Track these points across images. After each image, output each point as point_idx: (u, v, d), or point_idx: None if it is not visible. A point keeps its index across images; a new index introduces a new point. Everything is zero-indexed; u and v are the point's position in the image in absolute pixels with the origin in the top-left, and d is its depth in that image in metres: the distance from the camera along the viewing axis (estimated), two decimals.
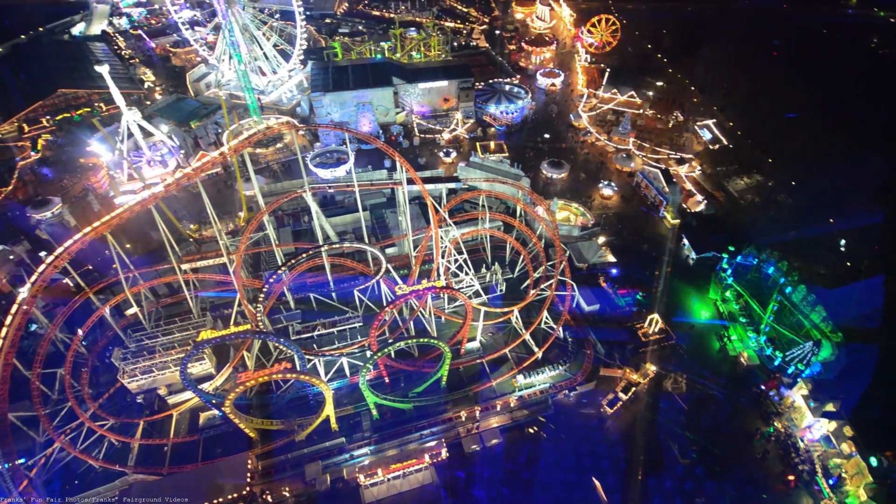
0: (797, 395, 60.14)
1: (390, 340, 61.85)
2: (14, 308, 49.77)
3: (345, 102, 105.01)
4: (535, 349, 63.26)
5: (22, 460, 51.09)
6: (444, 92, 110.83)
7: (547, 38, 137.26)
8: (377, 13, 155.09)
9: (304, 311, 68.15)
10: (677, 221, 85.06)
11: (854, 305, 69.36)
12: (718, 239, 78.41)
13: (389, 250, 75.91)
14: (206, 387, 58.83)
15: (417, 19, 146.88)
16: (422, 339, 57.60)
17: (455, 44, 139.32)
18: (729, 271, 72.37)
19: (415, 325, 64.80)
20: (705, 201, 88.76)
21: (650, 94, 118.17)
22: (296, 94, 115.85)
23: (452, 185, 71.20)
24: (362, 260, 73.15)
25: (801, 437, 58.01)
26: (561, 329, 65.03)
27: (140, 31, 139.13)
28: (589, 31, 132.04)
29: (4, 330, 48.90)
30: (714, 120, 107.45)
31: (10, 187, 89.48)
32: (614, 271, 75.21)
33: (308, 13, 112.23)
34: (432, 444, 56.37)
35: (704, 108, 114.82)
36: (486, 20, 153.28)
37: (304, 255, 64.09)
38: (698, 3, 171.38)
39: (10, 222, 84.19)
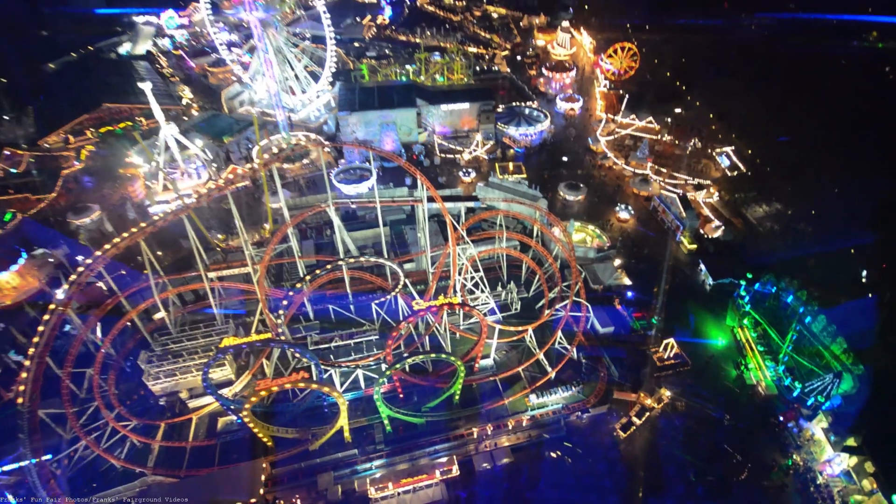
0: (817, 427, 57.75)
1: (405, 354, 61.76)
2: (51, 308, 51.36)
3: (370, 122, 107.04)
4: (549, 369, 62.31)
5: (48, 456, 51.88)
6: (465, 114, 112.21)
7: (567, 65, 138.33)
8: (403, 38, 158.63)
9: (323, 322, 68.60)
10: (694, 246, 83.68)
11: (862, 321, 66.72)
12: (736, 265, 76.75)
13: (407, 266, 76.26)
14: (226, 392, 59.38)
15: (442, 44, 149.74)
16: (436, 355, 57.30)
17: (477, 68, 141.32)
18: (747, 298, 70.56)
19: (429, 341, 64.58)
20: (723, 227, 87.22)
21: (668, 120, 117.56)
22: (323, 113, 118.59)
23: (471, 204, 71.67)
24: (381, 274, 73.56)
25: (821, 472, 55.53)
26: (575, 350, 64.01)
27: (181, 52, 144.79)
28: (608, 59, 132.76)
29: (41, 328, 50.39)
30: (732, 147, 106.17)
31: (54, 194, 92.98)
32: (630, 294, 74.06)
33: (338, 37, 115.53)
34: (443, 459, 55.54)
35: (723, 136, 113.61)
36: (508, 46, 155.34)
37: (325, 268, 64.87)
38: (717, 33, 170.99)
39: (52, 227, 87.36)
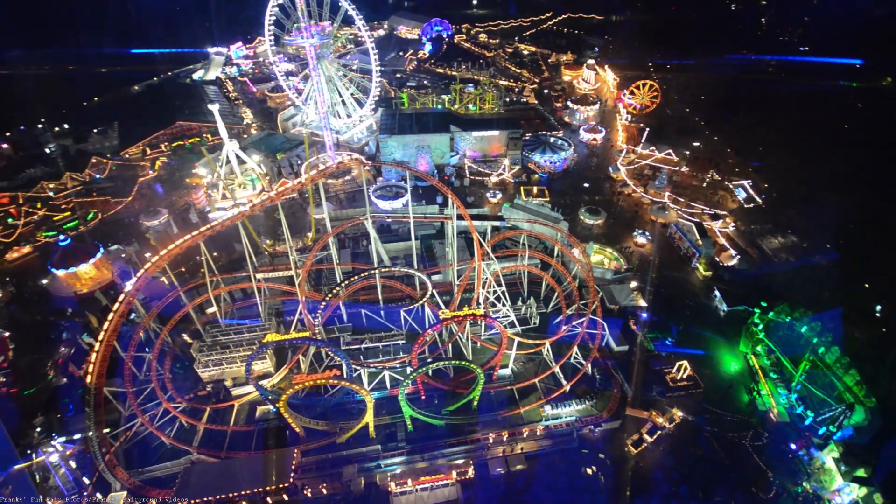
0: (827, 457, 54.10)
1: (429, 360, 61.60)
2: (120, 298, 53.79)
3: (407, 144, 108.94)
4: (564, 382, 60.83)
5: (108, 430, 53.82)
6: (495, 140, 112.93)
7: (591, 98, 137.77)
8: (441, 71, 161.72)
9: (355, 325, 69.21)
10: (709, 273, 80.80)
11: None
12: (751, 293, 73.60)
13: (435, 277, 76.40)
14: (265, 384, 60.43)
15: (475, 77, 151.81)
16: (458, 362, 56.87)
17: (507, 99, 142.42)
18: (761, 326, 67.43)
19: (452, 348, 64.21)
20: (738, 257, 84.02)
21: (687, 153, 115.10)
22: (366, 135, 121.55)
23: (497, 223, 71.50)
24: (410, 284, 73.94)
25: (830, 501, 51.79)
26: (590, 366, 62.35)
27: (246, 78, 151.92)
28: (631, 94, 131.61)
29: (111, 315, 52.77)
30: (749, 180, 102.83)
31: (130, 198, 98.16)
32: (644, 315, 71.90)
33: (382, 69, 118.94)
34: (460, 461, 54.64)
35: (740, 169, 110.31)
36: (537, 80, 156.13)
37: (360, 276, 65.70)
38: (734, 72, 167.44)
39: (126, 227, 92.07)
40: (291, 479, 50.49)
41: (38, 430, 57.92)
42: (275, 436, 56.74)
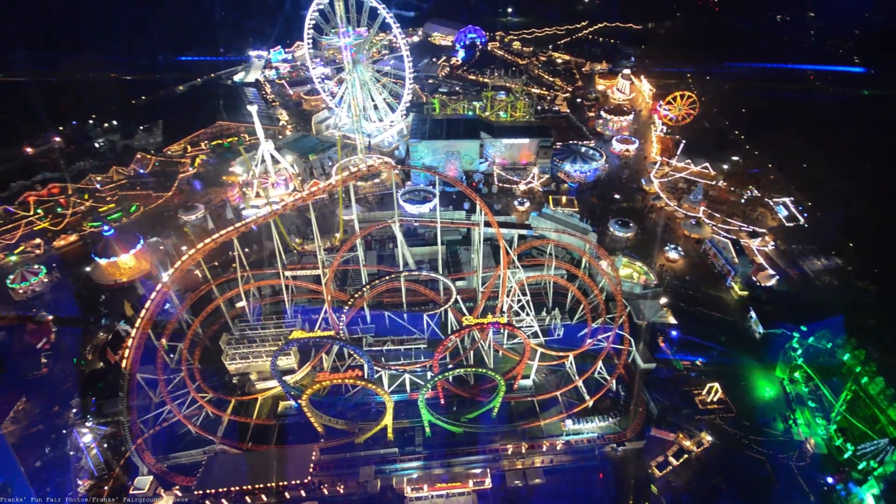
0: (867, 493, 50.81)
1: (450, 366, 61.43)
2: (159, 286, 56.08)
3: (436, 150, 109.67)
4: (587, 397, 59.50)
5: (139, 414, 55.90)
6: (525, 148, 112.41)
7: (625, 109, 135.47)
8: (473, 77, 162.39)
9: (378, 326, 69.77)
10: (745, 293, 77.64)
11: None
12: (789, 316, 70.24)
13: (459, 283, 76.21)
14: (288, 380, 61.53)
15: (507, 84, 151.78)
16: (480, 370, 56.48)
17: (539, 107, 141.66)
18: (800, 351, 64.23)
19: (473, 355, 63.83)
20: (777, 277, 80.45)
21: (725, 167, 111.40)
22: (396, 140, 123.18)
23: (524, 232, 70.88)
24: (434, 289, 74.09)
25: None
26: (614, 382, 60.79)
27: (283, 81, 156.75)
28: (667, 105, 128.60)
29: (148, 303, 55.02)
30: (791, 198, 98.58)
31: (171, 193, 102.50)
32: (674, 333, 69.66)
33: (415, 74, 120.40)
34: (477, 471, 54.07)
35: (781, 186, 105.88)
36: (570, 89, 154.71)
37: (385, 278, 66.33)
38: (780, 83, 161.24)
39: (165, 220, 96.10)
40: (310, 476, 51.13)
41: (74, 411, 60.78)
42: (296, 431, 57.65)
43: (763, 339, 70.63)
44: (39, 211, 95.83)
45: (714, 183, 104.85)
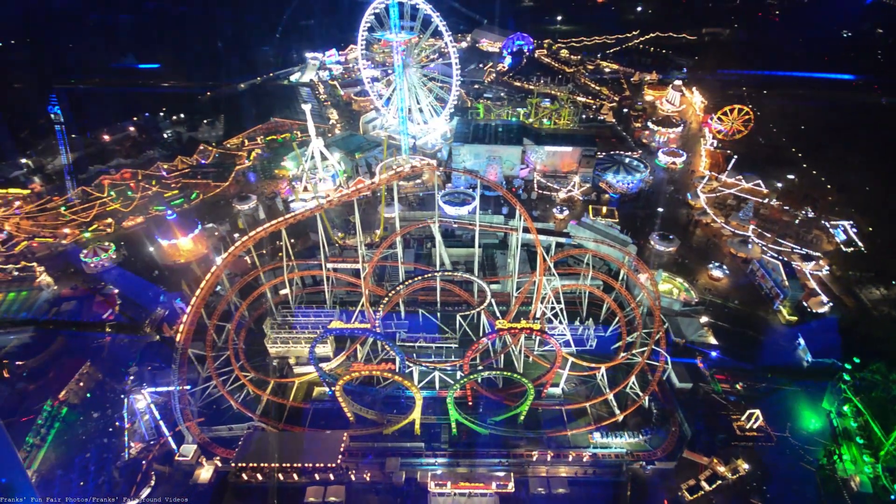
0: None
1: (480, 367, 61.29)
2: (212, 269, 59.22)
3: (478, 154, 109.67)
4: (617, 412, 57.72)
5: (188, 387, 59.22)
6: (567, 156, 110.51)
7: (674, 120, 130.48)
8: (518, 84, 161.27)
9: (411, 323, 70.56)
10: (794, 319, 72.89)
11: None
12: (841, 346, 65.37)
13: (493, 287, 75.86)
14: (324, 367, 63.33)
15: (553, 92, 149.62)
16: (510, 374, 56.01)
17: (584, 116, 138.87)
18: (851, 384, 59.59)
19: (503, 359, 63.35)
20: (830, 304, 75.03)
21: (779, 185, 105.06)
22: (439, 142, 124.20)
23: (562, 240, 69.76)
24: (468, 290, 74.17)
25: None
26: (647, 399, 58.64)
27: (335, 82, 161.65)
28: (720, 119, 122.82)
29: (204, 282, 58.19)
30: (850, 221, 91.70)
31: (227, 183, 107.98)
32: (714, 354, 66.34)
33: (462, 79, 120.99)
34: (501, 474, 53.63)
35: (840, 208, 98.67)
36: (616, 99, 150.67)
37: (422, 276, 67.01)
38: (843, 92, 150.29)
39: (221, 208, 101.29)
40: (339, 461, 52.38)
41: (132, 378, 65.08)
42: (328, 417, 59.25)
43: (811, 368, 66.11)
44: (112, 193, 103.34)
45: (766, 201, 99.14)
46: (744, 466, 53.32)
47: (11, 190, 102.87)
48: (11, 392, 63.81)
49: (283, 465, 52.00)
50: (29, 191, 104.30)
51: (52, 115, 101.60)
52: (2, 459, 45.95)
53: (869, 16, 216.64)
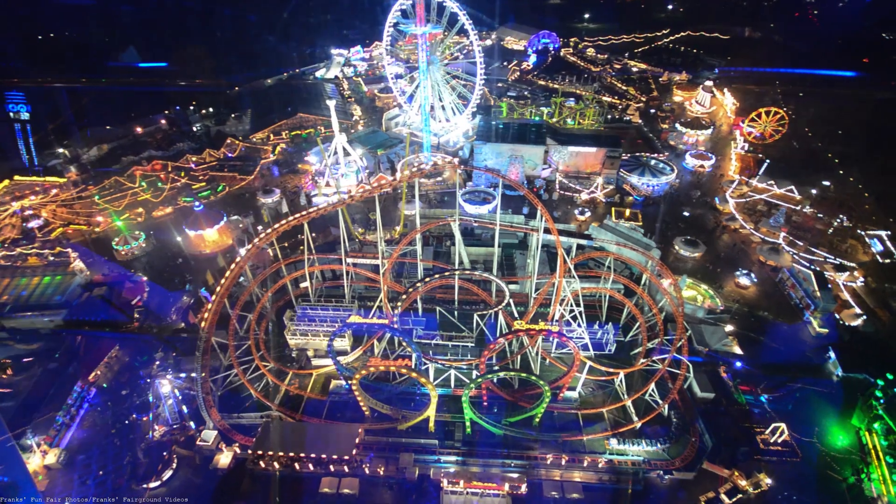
0: None
1: (496, 367, 60.92)
2: (236, 260, 60.44)
3: (500, 153, 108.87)
4: (635, 418, 56.58)
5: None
6: (591, 157, 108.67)
7: (703, 122, 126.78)
8: (542, 83, 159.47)
9: (428, 320, 70.52)
10: (825, 330, 70.06)
11: None
12: (874, 361, 62.53)
13: (511, 287, 75.06)
14: (341, 360, 63.99)
15: (578, 91, 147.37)
16: (526, 375, 55.49)
17: (609, 116, 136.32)
18: (883, 400, 57.00)
19: (520, 360, 62.81)
20: (864, 317, 71.82)
21: (813, 191, 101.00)
22: (461, 140, 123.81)
23: (583, 242, 68.62)
24: (486, 289, 73.73)
25: None
26: (666, 407, 57.28)
27: (360, 79, 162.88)
28: (752, 121, 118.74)
29: (228, 272, 59.45)
30: (888, 232, 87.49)
31: (252, 177, 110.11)
32: (738, 364, 64.31)
33: (486, 78, 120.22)
34: (514, 475, 53.26)
35: (878, 218, 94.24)
36: (643, 99, 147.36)
37: (441, 274, 66.93)
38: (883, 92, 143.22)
39: (246, 201, 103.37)
40: (354, 453, 52.89)
41: (157, 363, 67.12)
42: (344, 410, 59.91)
43: (841, 383, 63.43)
44: (143, 184, 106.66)
45: (799, 208, 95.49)
46: (766, 481, 51.58)
47: (49, 178, 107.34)
48: (43, 372, 66.45)
49: (299, 454, 52.79)
50: (65, 179, 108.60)
51: (12, 114, 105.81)
52: (3, 459, 46.87)
53: None
